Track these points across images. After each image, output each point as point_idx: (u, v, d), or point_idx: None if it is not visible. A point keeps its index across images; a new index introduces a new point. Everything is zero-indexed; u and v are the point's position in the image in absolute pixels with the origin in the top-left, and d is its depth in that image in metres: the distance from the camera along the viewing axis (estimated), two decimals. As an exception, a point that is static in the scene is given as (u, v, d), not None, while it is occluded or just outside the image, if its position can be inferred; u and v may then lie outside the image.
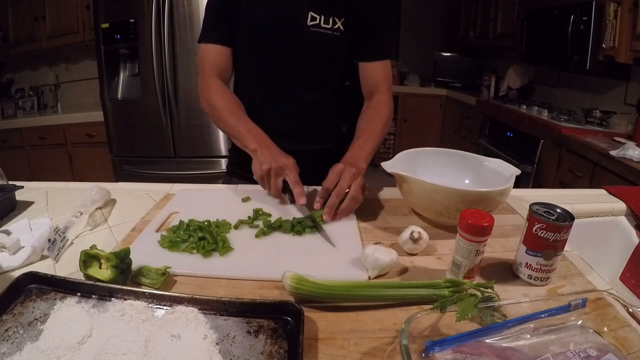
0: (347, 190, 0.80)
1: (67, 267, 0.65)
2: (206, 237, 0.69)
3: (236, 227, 0.76)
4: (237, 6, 0.97)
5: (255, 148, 0.86)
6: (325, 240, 0.73)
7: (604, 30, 2.03)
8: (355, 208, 0.82)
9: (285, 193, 0.85)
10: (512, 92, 3.09)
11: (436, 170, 0.88)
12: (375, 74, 1.04)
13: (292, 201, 0.83)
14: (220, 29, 1.00)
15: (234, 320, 0.50)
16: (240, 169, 1.11)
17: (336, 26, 0.96)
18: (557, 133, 2.21)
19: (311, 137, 1.09)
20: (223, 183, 1.15)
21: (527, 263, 0.61)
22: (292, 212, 0.83)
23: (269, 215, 0.82)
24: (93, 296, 0.53)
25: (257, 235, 0.73)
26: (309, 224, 0.75)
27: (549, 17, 2.45)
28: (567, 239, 0.59)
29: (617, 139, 2.05)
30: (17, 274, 0.56)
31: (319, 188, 0.96)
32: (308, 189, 0.97)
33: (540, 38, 2.60)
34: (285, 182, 0.83)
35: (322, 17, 0.95)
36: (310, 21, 0.95)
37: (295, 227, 0.75)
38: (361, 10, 0.97)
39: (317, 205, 0.80)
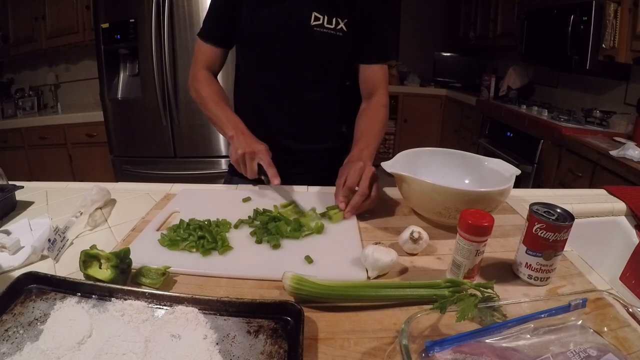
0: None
1: (67, 267, 0.65)
2: (205, 236, 0.69)
3: (236, 226, 0.77)
4: (240, 7, 0.97)
5: (232, 135, 0.92)
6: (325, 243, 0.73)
7: (604, 30, 2.03)
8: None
9: (261, 175, 0.90)
10: (512, 92, 3.09)
11: (436, 170, 0.89)
12: (375, 75, 1.05)
13: (269, 182, 0.87)
14: (217, 30, 1.04)
15: (234, 320, 0.50)
16: None
17: (339, 26, 0.97)
18: (557, 133, 2.21)
19: (313, 137, 1.10)
20: (224, 182, 1.15)
21: (527, 263, 0.61)
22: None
23: (271, 211, 0.82)
24: (93, 296, 0.53)
25: (255, 239, 0.72)
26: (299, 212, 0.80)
27: (549, 17, 2.44)
28: (567, 239, 0.59)
29: (617, 139, 2.05)
30: (17, 274, 0.56)
31: (319, 187, 0.96)
32: (308, 189, 0.97)
33: (540, 38, 2.60)
34: (260, 165, 0.88)
35: (326, 17, 0.95)
36: (314, 21, 0.95)
37: (292, 228, 0.75)
38: (363, 12, 0.97)
39: (342, 205, 0.80)
